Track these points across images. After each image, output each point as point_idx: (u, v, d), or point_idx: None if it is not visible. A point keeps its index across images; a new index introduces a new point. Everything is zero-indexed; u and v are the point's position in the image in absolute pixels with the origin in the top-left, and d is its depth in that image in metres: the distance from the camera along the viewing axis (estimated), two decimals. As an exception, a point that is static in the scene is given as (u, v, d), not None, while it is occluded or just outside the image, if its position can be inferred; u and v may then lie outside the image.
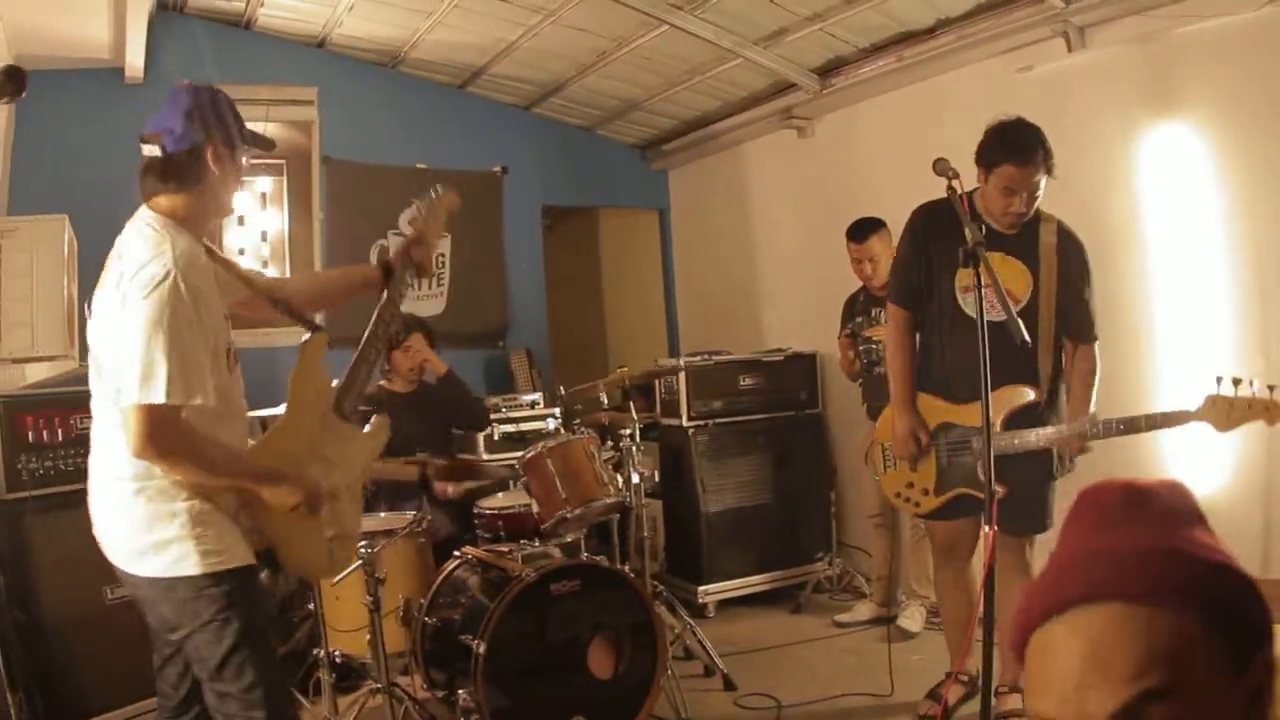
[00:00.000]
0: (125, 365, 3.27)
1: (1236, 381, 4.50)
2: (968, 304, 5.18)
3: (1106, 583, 1.24)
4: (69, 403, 5.79)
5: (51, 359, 6.36)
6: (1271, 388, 4.49)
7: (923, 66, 7.89)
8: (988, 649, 4.13)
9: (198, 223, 3.64)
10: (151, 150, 3.56)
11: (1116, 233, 6.63)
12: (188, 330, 3.29)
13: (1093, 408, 5.02)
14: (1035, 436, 4.92)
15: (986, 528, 4.04)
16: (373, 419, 4.24)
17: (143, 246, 3.41)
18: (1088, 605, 1.24)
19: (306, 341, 4.01)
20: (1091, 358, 5.13)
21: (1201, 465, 6.20)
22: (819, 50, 8.48)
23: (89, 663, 5.52)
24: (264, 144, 3.90)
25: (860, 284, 7.57)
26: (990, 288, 4.88)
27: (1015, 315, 4.24)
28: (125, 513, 3.52)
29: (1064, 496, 5.39)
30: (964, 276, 5.18)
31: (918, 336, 5.55)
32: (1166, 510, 1.36)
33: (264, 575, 3.74)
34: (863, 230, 7.27)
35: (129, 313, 3.28)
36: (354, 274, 4.56)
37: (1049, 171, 4.96)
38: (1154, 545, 1.28)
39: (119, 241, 3.54)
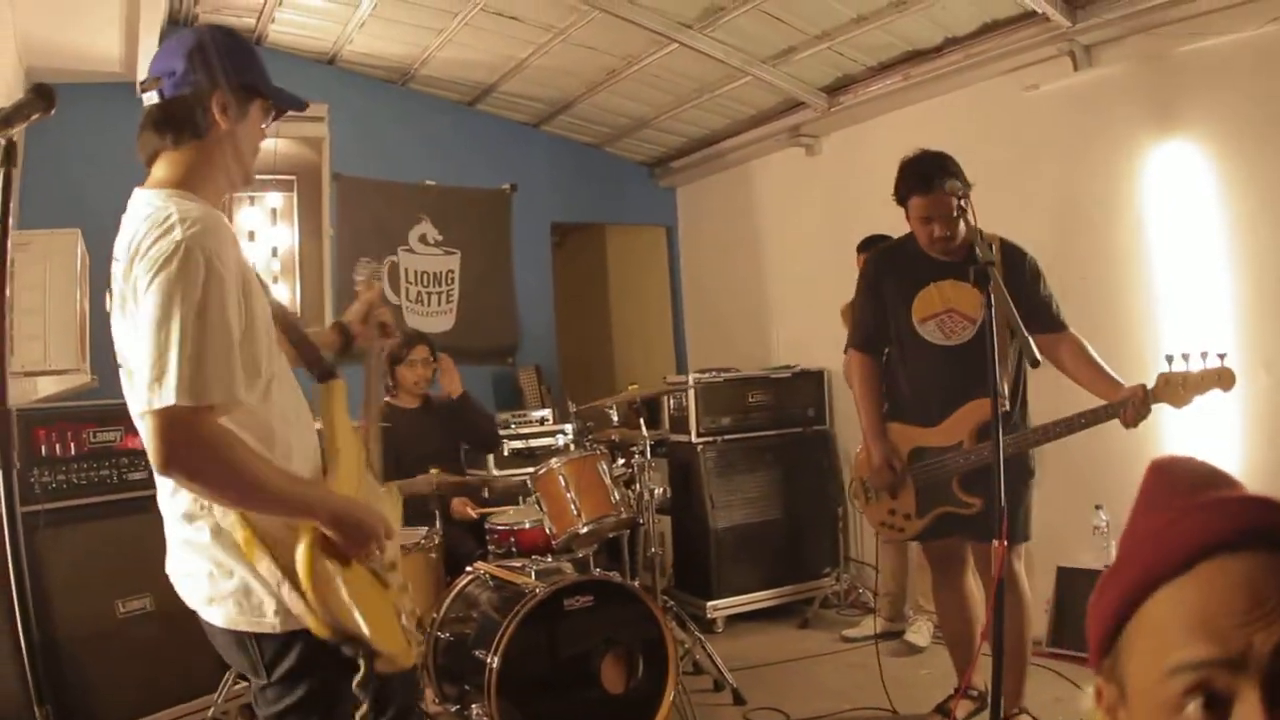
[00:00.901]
0: (138, 369, 2.68)
1: (1186, 356, 4.59)
2: (926, 332, 5.33)
3: (1242, 525, 1.22)
4: (81, 416, 5.80)
5: (63, 373, 6.36)
6: (1222, 355, 4.56)
7: (930, 85, 7.95)
8: (997, 661, 4.14)
9: (206, 187, 2.99)
10: (150, 97, 2.99)
11: (1121, 249, 6.69)
12: (208, 311, 2.66)
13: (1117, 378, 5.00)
14: (1078, 418, 4.92)
15: (995, 542, 4.06)
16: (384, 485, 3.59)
17: (144, 227, 2.79)
18: (1229, 552, 1.21)
19: (331, 387, 3.34)
20: (1074, 339, 5.14)
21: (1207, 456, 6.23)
22: (827, 69, 8.54)
23: (101, 677, 5.50)
24: (291, 101, 3.25)
25: None
26: (953, 313, 5.08)
27: (1026, 334, 4.27)
28: (190, 556, 2.94)
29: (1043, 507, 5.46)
30: (921, 308, 5.33)
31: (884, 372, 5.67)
32: (1233, 475, 1.37)
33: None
34: (875, 245, 7.28)
35: (140, 305, 2.70)
36: (319, 337, 3.68)
37: (958, 193, 4.99)
38: (1261, 495, 1.28)
39: (116, 242, 2.93)
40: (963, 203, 4.93)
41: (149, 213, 2.83)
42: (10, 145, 2.44)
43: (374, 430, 3.65)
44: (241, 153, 3.09)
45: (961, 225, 5.09)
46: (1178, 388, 4.61)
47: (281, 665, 2.93)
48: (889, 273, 5.52)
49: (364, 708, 2.86)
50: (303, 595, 2.75)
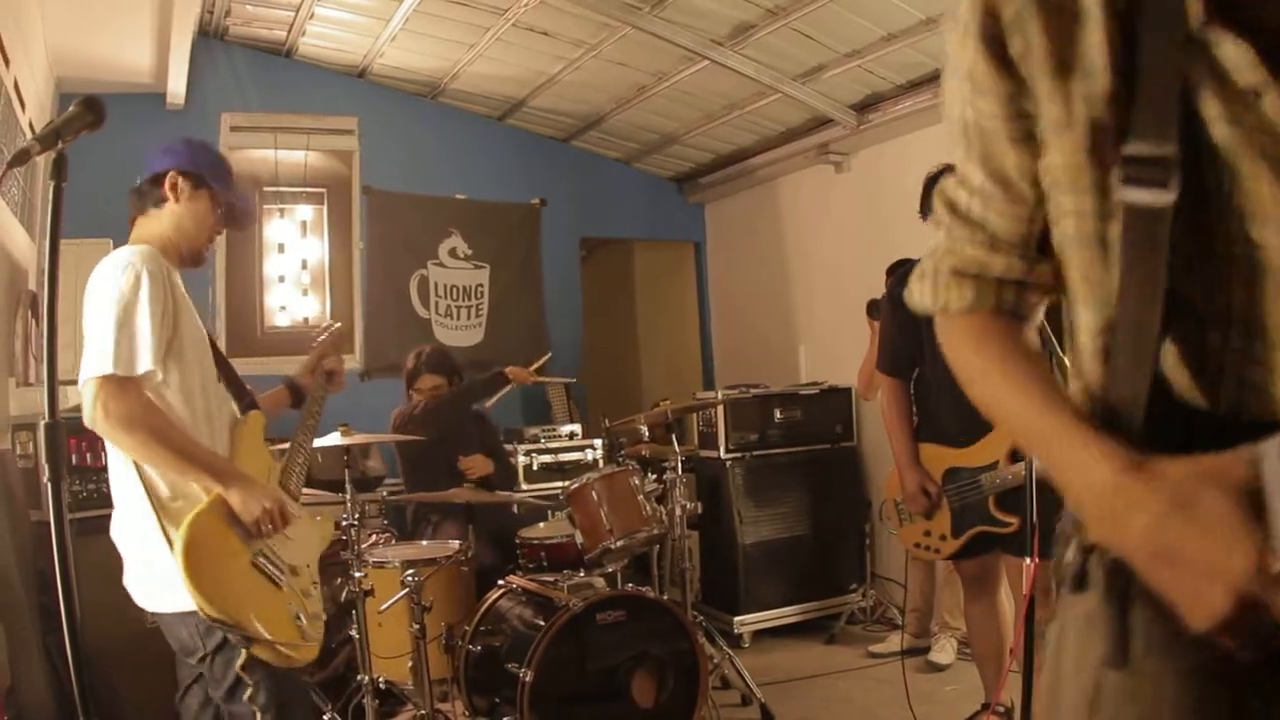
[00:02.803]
0: (84, 351, 3.46)
1: None
2: None
3: None
4: (110, 426, 5.83)
5: (94, 382, 6.42)
6: None
7: (959, 104, 7.93)
8: (1028, 678, 4.14)
9: (168, 245, 3.77)
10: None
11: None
12: (145, 306, 3.45)
13: None
14: None
15: (1027, 560, 4.07)
16: (320, 512, 4.26)
17: (107, 267, 3.57)
18: None
19: (248, 418, 3.95)
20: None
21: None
22: (856, 86, 8.57)
23: (128, 687, 5.55)
24: (238, 217, 4.03)
25: None
26: None
27: (1060, 352, 4.27)
28: (132, 563, 3.63)
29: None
30: None
31: (914, 391, 5.64)
32: None
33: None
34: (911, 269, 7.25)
35: (91, 308, 3.52)
36: (271, 399, 4.44)
37: None
38: None
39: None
40: None
41: (111, 259, 3.60)
42: (60, 158, 2.51)
43: (297, 458, 4.09)
44: (188, 230, 3.84)
45: None
46: None
47: (215, 635, 3.39)
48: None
49: (250, 689, 3.38)
50: (184, 575, 3.27)
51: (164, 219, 3.79)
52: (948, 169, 2.06)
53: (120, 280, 3.46)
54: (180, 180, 3.75)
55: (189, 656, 3.58)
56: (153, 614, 3.60)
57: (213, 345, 3.93)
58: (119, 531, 3.65)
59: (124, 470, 3.54)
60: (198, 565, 3.29)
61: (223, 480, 3.45)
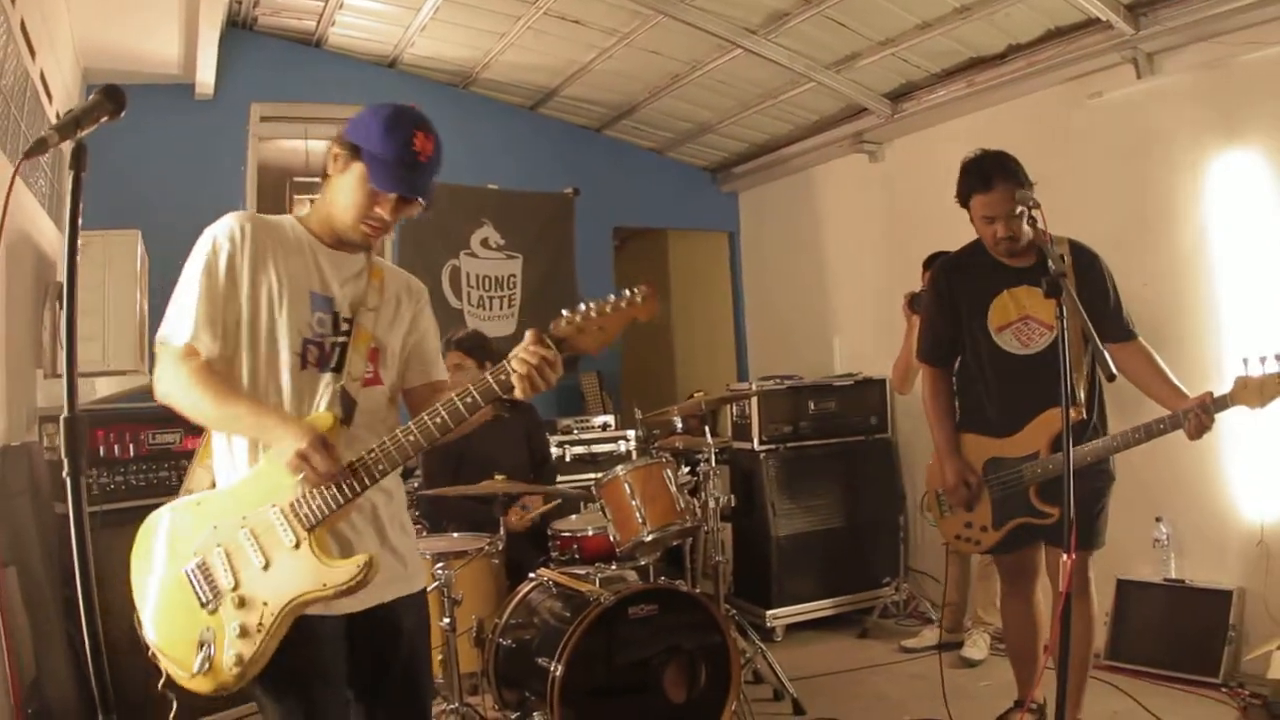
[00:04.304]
0: None
1: (1263, 360, 4.53)
2: (1003, 341, 5.24)
3: None
4: (139, 418, 5.85)
5: (122, 373, 6.39)
6: None
7: (994, 92, 7.91)
8: (1062, 674, 4.13)
9: (318, 221, 3.40)
10: None
11: (1183, 259, 6.64)
12: (195, 274, 3.19)
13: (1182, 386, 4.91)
14: (1139, 430, 4.83)
15: (1064, 556, 4.01)
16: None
17: None
18: None
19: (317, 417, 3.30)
20: (1142, 350, 5.01)
21: (1267, 493, 6.19)
22: (890, 75, 8.52)
23: (151, 681, 5.50)
24: (383, 181, 3.31)
25: None
26: (1029, 320, 5.09)
27: (1100, 345, 4.23)
28: None
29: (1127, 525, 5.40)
30: (995, 316, 5.25)
31: (955, 382, 5.59)
32: None
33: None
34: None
35: None
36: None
37: (1027, 203, 4.84)
38: None
39: None
40: (1033, 211, 4.82)
41: None
42: (80, 147, 2.47)
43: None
44: (338, 203, 3.32)
45: (1025, 226, 5.01)
46: (1256, 391, 4.55)
47: None
48: (961, 281, 5.42)
49: (174, 709, 3.43)
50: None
51: (323, 187, 3.42)
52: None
53: (194, 250, 3.24)
54: (338, 150, 3.33)
55: None
56: None
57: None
58: None
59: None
60: (139, 544, 3.27)
61: (268, 435, 3.12)
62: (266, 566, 3.06)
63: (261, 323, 3.23)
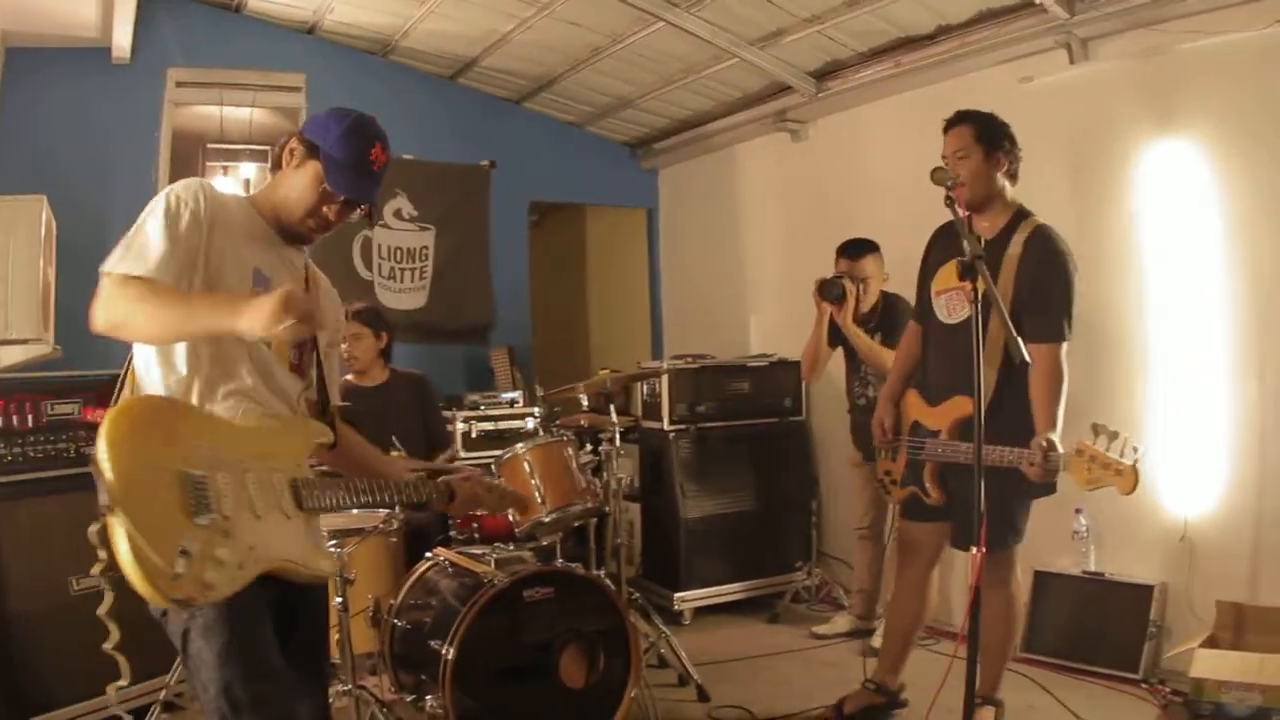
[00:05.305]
0: None
1: (1112, 436, 4.51)
2: (937, 306, 5.42)
3: None
4: (41, 388, 5.71)
5: (25, 342, 6.24)
6: (1136, 449, 4.50)
7: (922, 73, 7.83)
8: (971, 669, 4.11)
9: (268, 208, 3.48)
10: None
11: (1113, 248, 6.58)
12: (156, 218, 3.14)
13: (1058, 423, 4.80)
14: (1006, 454, 4.80)
15: (973, 549, 3.99)
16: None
17: None
18: None
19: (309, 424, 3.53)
20: (1045, 359, 4.84)
21: (1191, 488, 6.15)
22: (816, 53, 8.41)
23: (53, 655, 5.40)
24: (340, 186, 3.42)
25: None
26: (959, 291, 5.15)
27: (1015, 334, 4.15)
28: None
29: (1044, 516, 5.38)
30: (939, 281, 5.43)
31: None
32: None
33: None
34: (860, 249, 7.13)
35: None
36: (413, 490, 3.71)
37: (945, 183, 4.80)
38: None
39: None
40: (951, 192, 4.74)
41: None
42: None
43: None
44: (287, 197, 3.45)
45: (966, 173, 5.10)
46: (1086, 468, 4.57)
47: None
48: (937, 249, 5.58)
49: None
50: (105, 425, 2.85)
51: (273, 178, 3.55)
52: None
53: (154, 202, 3.20)
54: (296, 145, 3.45)
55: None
56: None
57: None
58: None
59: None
60: (125, 420, 2.91)
61: (234, 311, 3.01)
62: (259, 518, 3.09)
63: (217, 286, 3.22)
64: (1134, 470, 4.44)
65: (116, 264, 3.07)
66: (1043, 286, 4.95)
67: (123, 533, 2.73)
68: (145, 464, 2.87)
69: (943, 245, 5.49)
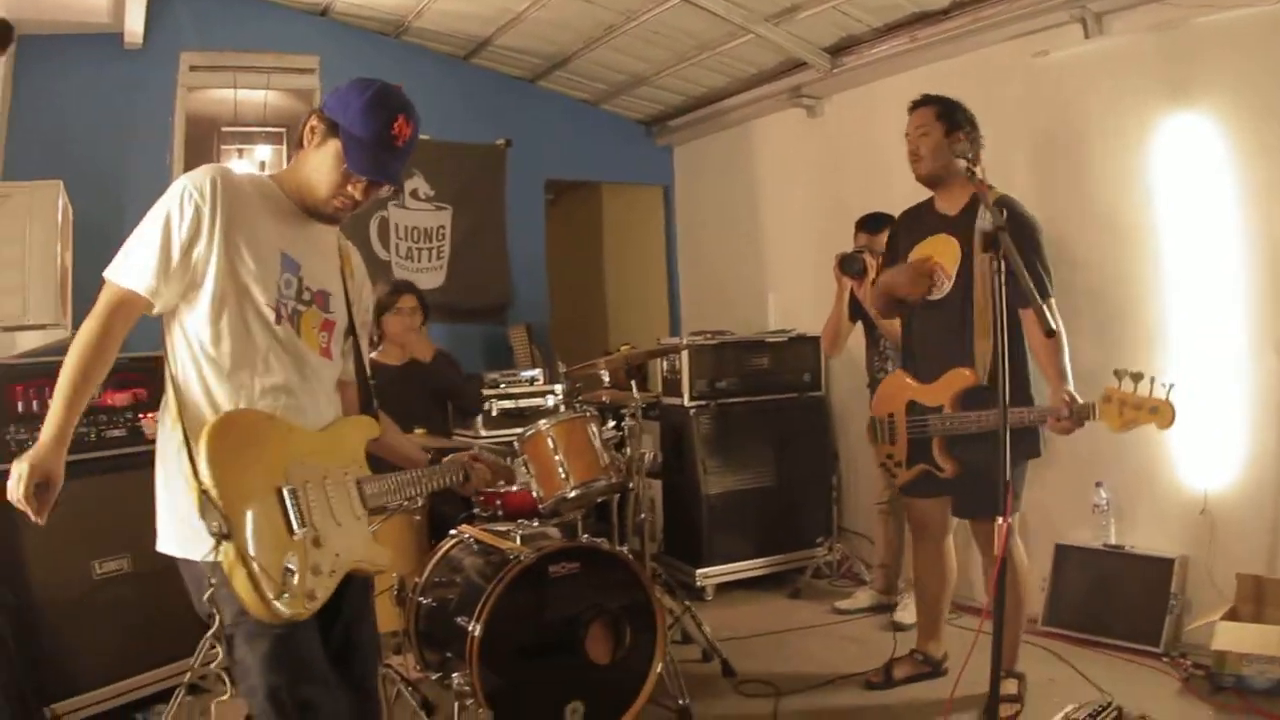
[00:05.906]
0: None
1: (1137, 377, 4.57)
2: None
3: None
4: (58, 372, 5.68)
5: (43, 327, 6.26)
6: (1166, 385, 4.58)
7: (937, 48, 7.79)
8: (997, 641, 4.13)
9: (293, 187, 3.43)
10: None
11: (1129, 222, 6.56)
12: (154, 221, 3.15)
13: (1069, 375, 4.98)
14: (1024, 414, 4.98)
15: (999, 520, 4.00)
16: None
17: None
18: None
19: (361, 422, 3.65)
20: (1040, 322, 4.77)
21: (1212, 459, 6.14)
22: (831, 28, 8.37)
23: (76, 639, 5.44)
24: (359, 168, 3.33)
25: None
26: (938, 266, 5.35)
27: (1041, 305, 4.22)
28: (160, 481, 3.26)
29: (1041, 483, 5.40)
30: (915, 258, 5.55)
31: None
32: None
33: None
34: (879, 223, 7.10)
35: None
36: (440, 473, 3.97)
37: (941, 119, 5.30)
38: None
39: None
40: (972, 166, 4.81)
41: None
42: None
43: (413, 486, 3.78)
44: (310, 177, 3.38)
45: (924, 148, 5.40)
46: (1118, 411, 4.67)
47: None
48: (906, 227, 5.74)
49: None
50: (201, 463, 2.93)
51: (296, 156, 3.48)
52: None
53: (165, 195, 3.20)
54: (317, 123, 3.37)
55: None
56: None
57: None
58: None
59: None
60: (223, 443, 3.00)
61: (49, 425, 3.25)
62: (339, 524, 3.21)
63: (240, 277, 3.21)
64: (1169, 404, 4.54)
65: (116, 274, 3.16)
66: (1021, 252, 4.98)
67: (238, 559, 2.81)
68: (248, 486, 2.98)
69: (911, 227, 5.67)
